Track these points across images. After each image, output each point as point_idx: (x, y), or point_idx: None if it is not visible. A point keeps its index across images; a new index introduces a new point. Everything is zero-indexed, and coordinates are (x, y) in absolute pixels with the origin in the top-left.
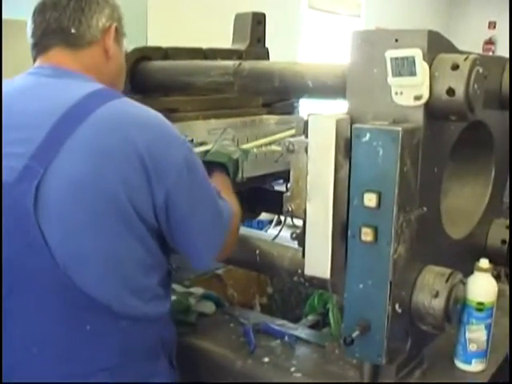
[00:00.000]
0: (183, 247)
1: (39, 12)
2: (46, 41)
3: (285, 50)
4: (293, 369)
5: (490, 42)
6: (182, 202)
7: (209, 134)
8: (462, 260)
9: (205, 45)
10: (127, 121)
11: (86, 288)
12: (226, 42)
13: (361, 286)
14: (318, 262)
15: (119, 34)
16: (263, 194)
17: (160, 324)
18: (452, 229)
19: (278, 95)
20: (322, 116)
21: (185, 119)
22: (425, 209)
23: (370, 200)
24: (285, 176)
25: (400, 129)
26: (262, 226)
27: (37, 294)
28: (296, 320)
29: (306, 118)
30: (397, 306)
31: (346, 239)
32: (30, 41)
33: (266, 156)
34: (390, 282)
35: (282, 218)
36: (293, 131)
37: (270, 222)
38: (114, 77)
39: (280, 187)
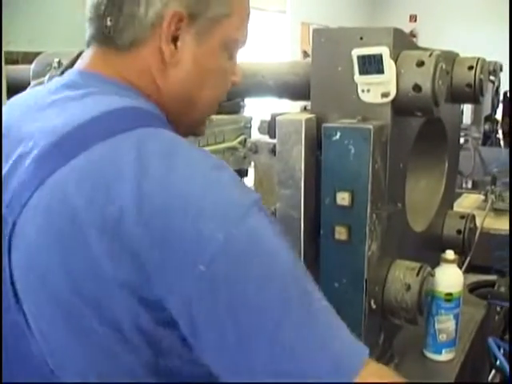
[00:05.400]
0: None
1: None
2: (87, 34)
3: None
4: None
5: (411, 34)
6: None
7: None
8: (423, 252)
9: None
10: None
11: None
12: None
13: (336, 284)
14: None
15: (199, 24)
16: None
17: None
18: (413, 222)
19: (234, 95)
20: (289, 116)
21: None
22: (399, 205)
23: (343, 199)
24: None
25: (371, 127)
26: None
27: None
28: None
29: (250, 116)
30: (372, 302)
31: (315, 238)
32: None
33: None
34: (366, 280)
35: None
36: (242, 137)
37: None
38: (183, 96)
39: None
